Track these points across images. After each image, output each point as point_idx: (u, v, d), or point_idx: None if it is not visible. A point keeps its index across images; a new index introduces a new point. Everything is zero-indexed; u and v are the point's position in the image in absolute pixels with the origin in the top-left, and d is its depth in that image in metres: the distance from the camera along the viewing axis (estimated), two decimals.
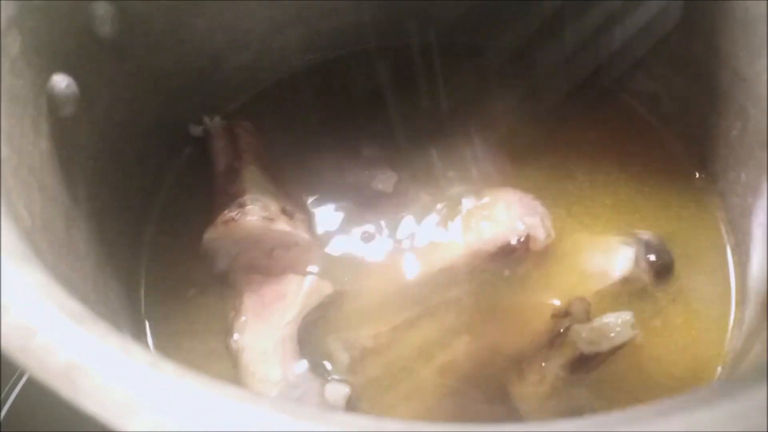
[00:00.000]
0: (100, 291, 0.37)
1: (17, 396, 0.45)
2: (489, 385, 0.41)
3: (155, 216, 0.48)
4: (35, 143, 0.35)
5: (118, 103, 0.44)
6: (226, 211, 0.44)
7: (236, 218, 0.43)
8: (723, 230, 0.47)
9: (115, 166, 0.44)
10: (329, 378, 0.41)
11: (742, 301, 0.44)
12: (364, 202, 0.48)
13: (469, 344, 0.43)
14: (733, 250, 0.46)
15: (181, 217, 0.47)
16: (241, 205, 0.44)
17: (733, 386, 0.23)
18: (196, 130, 0.51)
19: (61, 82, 0.38)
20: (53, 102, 0.37)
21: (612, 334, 0.41)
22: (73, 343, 0.21)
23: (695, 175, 0.50)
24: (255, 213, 0.44)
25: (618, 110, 0.52)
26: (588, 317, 0.42)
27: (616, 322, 0.41)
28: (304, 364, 0.41)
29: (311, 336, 0.43)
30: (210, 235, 0.44)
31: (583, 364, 0.41)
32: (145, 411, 0.20)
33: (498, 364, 0.42)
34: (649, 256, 0.45)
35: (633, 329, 0.41)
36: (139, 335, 0.42)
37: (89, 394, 0.20)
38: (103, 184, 0.42)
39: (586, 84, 0.53)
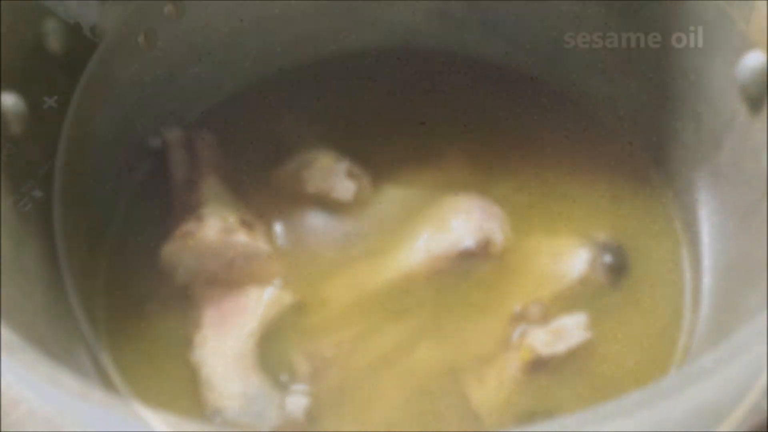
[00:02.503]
0: (52, 312, 0.37)
1: None
2: (450, 391, 0.42)
3: (112, 232, 0.47)
4: None
5: (71, 119, 0.43)
6: (183, 225, 0.44)
7: (194, 231, 0.43)
8: (678, 230, 0.48)
9: (69, 184, 0.43)
10: (290, 390, 0.41)
11: (695, 301, 0.45)
12: (325, 212, 0.48)
13: (429, 350, 0.43)
14: (687, 251, 0.47)
15: (139, 233, 0.47)
16: (199, 218, 0.44)
17: (679, 384, 0.24)
18: (154, 142, 0.50)
19: (7, 100, 0.37)
20: None
21: (567, 337, 0.42)
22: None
23: (651, 176, 0.50)
24: (213, 225, 0.44)
25: (574, 112, 0.53)
26: (545, 320, 0.43)
27: (571, 325, 0.42)
28: (264, 378, 0.41)
29: (272, 348, 0.43)
30: (168, 249, 0.44)
31: (541, 367, 0.41)
32: None
33: (458, 369, 0.42)
34: (604, 257, 0.45)
35: (587, 331, 0.42)
36: (97, 353, 0.41)
37: (15, 427, 0.19)
38: (56, 202, 0.41)
39: (541, 86, 0.53)
